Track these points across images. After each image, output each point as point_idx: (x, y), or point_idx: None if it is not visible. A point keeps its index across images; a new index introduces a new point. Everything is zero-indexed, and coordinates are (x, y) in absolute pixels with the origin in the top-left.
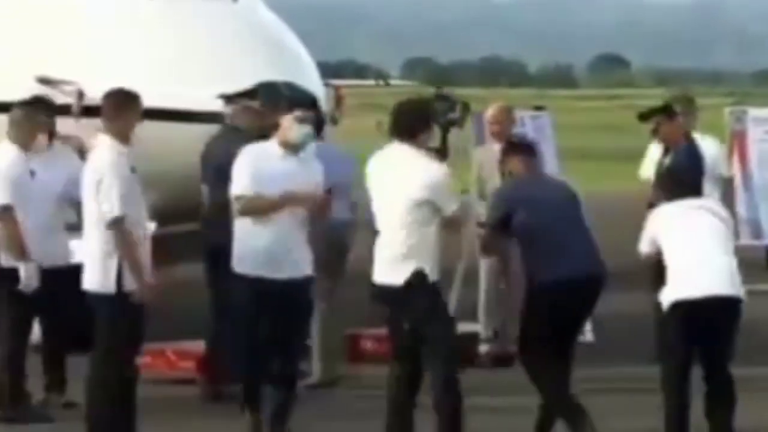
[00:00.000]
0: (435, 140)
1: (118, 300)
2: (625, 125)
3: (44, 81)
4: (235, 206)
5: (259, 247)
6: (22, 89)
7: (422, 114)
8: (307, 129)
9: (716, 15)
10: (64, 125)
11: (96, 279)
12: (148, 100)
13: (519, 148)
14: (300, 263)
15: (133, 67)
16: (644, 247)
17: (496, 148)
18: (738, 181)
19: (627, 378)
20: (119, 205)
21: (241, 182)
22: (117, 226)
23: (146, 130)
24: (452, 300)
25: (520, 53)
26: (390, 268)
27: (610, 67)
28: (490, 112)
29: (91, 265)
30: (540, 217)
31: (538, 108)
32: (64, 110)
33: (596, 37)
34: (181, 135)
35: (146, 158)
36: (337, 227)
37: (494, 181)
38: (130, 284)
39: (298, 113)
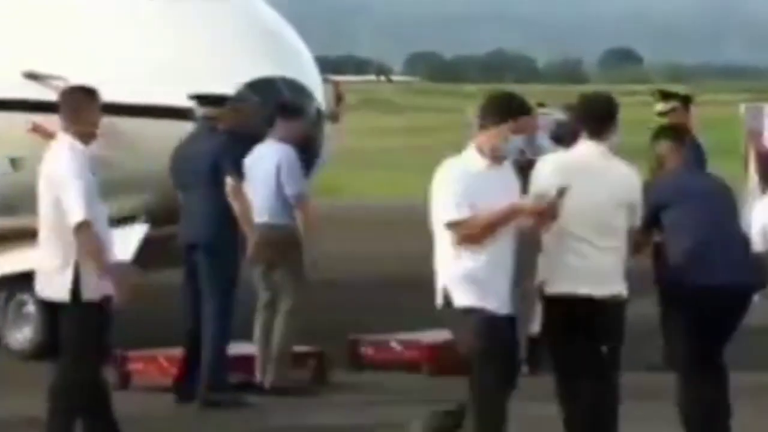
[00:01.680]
0: (619, 136)
1: (80, 307)
2: (637, 121)
3: (31, 76)
4: (454, 235)
5: (478, 278)
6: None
7: (610, 109)
8: (515, 141)
9: (730, 8)
10: (49, 121)
11: (57, 287)
12: (144, 98)
13: (671, 133)
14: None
15: (132, 65)
16: (759, 245)
17: None
18: (755, 180)
19: (636, 384)
20: (85, 208)
21: (452, 206)
22: (83, 229)
23: (143, 129)
24: None
25: (527, 48)
26: (605, 278)
27: (622, 62)
28: None
29: (50, 273)
30: (694, 214)
31: (541, 105)
32: (52, 107)
33: (606, 31)
34: (177, 134)
35: (141, 158)
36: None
37: None
38: (91, 291)
39: (510, 125)
